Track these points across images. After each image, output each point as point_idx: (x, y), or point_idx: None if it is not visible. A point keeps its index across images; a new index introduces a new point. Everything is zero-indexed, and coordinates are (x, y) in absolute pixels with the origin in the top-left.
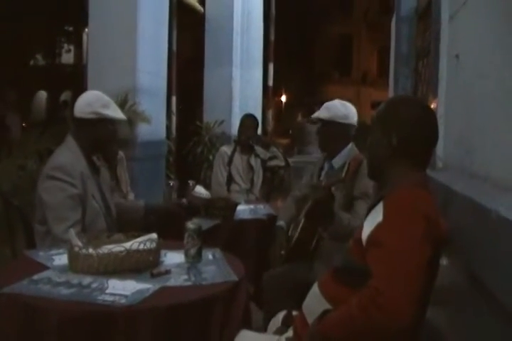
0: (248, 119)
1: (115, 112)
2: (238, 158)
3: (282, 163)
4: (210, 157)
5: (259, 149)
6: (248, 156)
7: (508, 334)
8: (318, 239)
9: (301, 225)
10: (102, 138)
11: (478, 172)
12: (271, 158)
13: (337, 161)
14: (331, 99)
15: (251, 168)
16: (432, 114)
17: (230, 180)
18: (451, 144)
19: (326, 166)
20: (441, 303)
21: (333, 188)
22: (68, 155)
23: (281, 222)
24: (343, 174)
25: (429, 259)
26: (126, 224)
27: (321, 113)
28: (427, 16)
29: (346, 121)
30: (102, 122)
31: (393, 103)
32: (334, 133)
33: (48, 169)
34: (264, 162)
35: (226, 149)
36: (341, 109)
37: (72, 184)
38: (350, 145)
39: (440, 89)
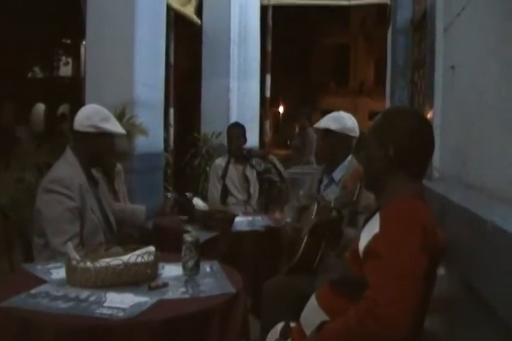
0: (234, 128)
1: (114, 126)
2: (233, 170)
3: (276, 178)
4: (208, 169)
5: (255, 160)
6: (243, 167)
7: None
8: (322, 255)
9: (304, 241)
10: (100, 152)
11: (474, 183)
12: (265, 171)
13: (337, 174)
14: (329, 109)
15: (246, 179)
16: (428, 125)
17: (226, 192)
18: (448, 155)
19: (326, 179)
20: (439, 313)
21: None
22: (67, 168)
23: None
24: (355, 196)
25: (426, 270)
26: (125, 236)
27: (331, 124)
28: (422, 28)
29: (353, 134)
30: (101, 136)
31: (389, 114)
32: (338, 145)
33: (46, 182)
34: (259, 174)
35: (220, 161)
36: (350, 121)
37: (70, 197)
38: (350, 157)
39: (436, 100)
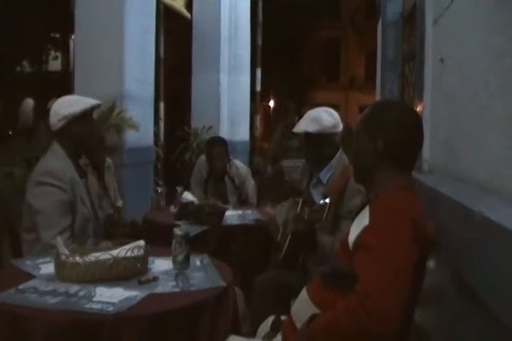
0: (217, 146)
1: (79, 104)
2: (211, 185)
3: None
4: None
5: (233, 172)
6: (221, 184)
7: (494, 335)
8: (304, 257)
9: (288, 240)
10: (82, 136)
11: (463, 175)
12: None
13: (325, 174)
14: (320, 104)
15: (226, 197)
16: (417, 118)
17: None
18: (437, 147)
19: (314, 178)
20: (429, 305)
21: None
22: (56, 161)
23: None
24: (324, 215)
25: (416, 262)
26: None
27: (309, 126)
28: (412, 20)
29: (335, 130)
30: (74, 121)
31: (378, 107)
32: (323, 145)
33: (36, 175)
34: (237, 188)
35: (202, 167)
36: (329, 118)
37: (62, 188)
38: (339, 153)
39: (425, 93)
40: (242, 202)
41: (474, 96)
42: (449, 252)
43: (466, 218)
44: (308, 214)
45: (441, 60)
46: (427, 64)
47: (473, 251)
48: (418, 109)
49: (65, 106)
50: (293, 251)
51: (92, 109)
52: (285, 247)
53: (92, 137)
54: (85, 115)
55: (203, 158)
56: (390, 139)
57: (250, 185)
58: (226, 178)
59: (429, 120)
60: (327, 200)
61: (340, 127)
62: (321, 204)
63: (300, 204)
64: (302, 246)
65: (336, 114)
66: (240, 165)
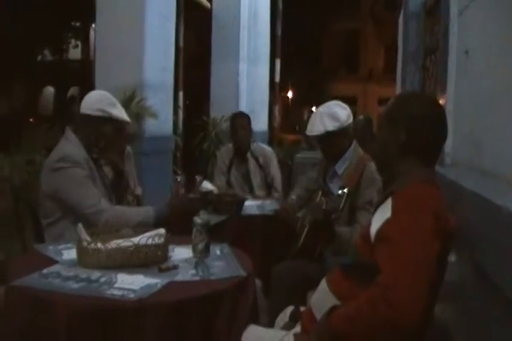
0: (238, 118)
1: (121, 113)
2: (235, 169)
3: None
4: (217, 153)
5: (257, 150)
6: (245, 165)
7: None
8: (321, 247)
9: (305, 231)
10: (103, 137)
11: (487, 169)
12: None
13: (340, 165)
14: (339, 96)
15: (249, 178)
16: (441, 110)
17: (230, 186)
18: (460, 141)
19: (330, 171)
20: (450, 299)
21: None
22: (70, 146)
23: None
24: (341, 204)
25: (438, 255)
26: None
27: (329, 124)
28: (435, 12)
29: (350, 121)
30: (108, 121)
31: (402, 99)
32: (339, 139)
33: (52, 162)
34: (261, 168)
35: (224, 154)
36: (344, 111)
37: (80, 167)
38: (353, 145)
39: (449, 86)
40: (267, 186)
41: (500, 88)
42: (471, 246)
43: (490, 212)
44: (326, 204)
45: (466, 52)
46: (450, 56)
47: (496, 245)
48: (441, 101)
49: (110, 103)
50: (311, 241)
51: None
52: (303, 237)
53: (111, 144)
54: (120, 124)
55: (224, 148)
56: (413, 132)
57: (275, 167)
58: (250, 158)
59: (453, 113)
60: (345, 190)
61: (352, 118)
62: (338, 194)
63: (320, 195)
64: (320, 237)
65: (345, 105)
66: (264, 146)
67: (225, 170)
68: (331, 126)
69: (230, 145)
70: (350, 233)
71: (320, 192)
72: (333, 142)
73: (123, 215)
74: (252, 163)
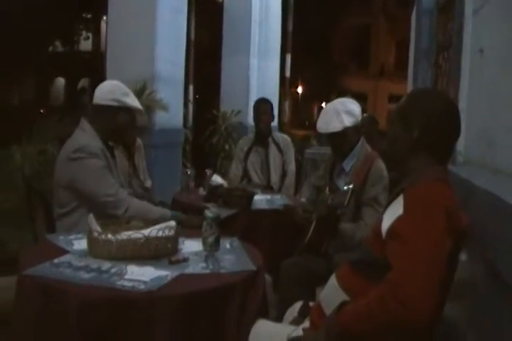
0: (262, 104)
1: (134, 102)
2: (255, 153)
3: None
4: (227, 146)
5: (278, 137)
6: (266, 149)
7: None
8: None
9: (312, 226)
10: (119, 126)
11: (499, 167)
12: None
13: (348, 162)
14: (348, 92)
15: (268, 163)
16: (454, 108)
17: (246, 176)
18: (473, 139)
19: (337, 168)
20: (459, 298)
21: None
22: (86, 136)
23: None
24: (346, 200)
25: (449, 253)
26: None
27: (346, 121)
28: (448, 9)
29: (359, 118)
30: (122, 110)
31: (415, 96)
32: (352, 135)
33: (69, 152)
34: (281, 152)
35: (244, 143)
36: (357, 108)
37: (97, 157)
38: (361, 141)
39: (462, 83)
40: (283, 173)
41: None
42: (483, 245)
43: (502, 211)
44: (332, 200)
45: (481, 51)
46: (464, 54)
47: (509, 244)
48: (453, 99)
49: (123, 93)
50: (317, 237)
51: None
52: (309, 233)
53: (126, 132)
54: (133, 113)
55: (243, 138)
56: (426, 129)
57: (292, 154)
58: (271, 143)
59: (465, 111)
60: (350, 186)
61: (360, 115)
62: (344, 190)
63: (327, 191)
64: (325, 232)
65: (356, 102)
66: (283, 134)
67: (242, 157)
68: (348, 122)
69: (250, 135)
70: (353, 230)
71: (327, 188)
72: (346, 138)
73: (142, 208)
74: (272, 147)
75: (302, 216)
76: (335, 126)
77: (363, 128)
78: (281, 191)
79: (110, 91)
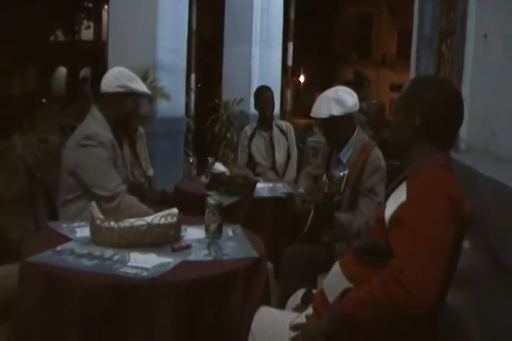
0: (265, 92)
1: (141, 86)
2: (259, 137)
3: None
4: (228, 135)
5: (281, 122)
6: (270, 132)
7: None
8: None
9: (311, 215)
10: (128, 112)
11: (503, 155)
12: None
13: (344, 153)
14: (350, 80)
15: (272, 145)
16: (457, 95)
17: (252, 161)
18: (476, 126)
19: (334, 159)
20: (462, 286)
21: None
22: (96, 124)
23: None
24: (342, 187)
25: (453, 240)
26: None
27: (334, 109)
28: None
29: (356, 108)
30: (130, 96)
31: (418, 83)
32: (343, 125)
33: (79, 139)
34: (285, 134)
35: (247, 130)
36: (351, 98)
37: (105, 148)
38: (357, 131)
39: (466, 70)
40: (288, 155)
41: None
42: (486, 232)
43: (505, 198)
44: (328, 187)
45: (485, 36)
46: (468, 40)
47: None
48: (456, 86)
49: (129, 79)
50: (317, 226)
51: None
52: (309, 222)
53: (134, 117)
54: (139, 97)
55: (245, 129)
56: (428, 116)
57: (293, 137)
58: (274, 126)
59: (469, 98)
60: (346, 172)
61: (358, 105)
62: (339, 176)
63: (324, 179)
64: (323, 221)
65: (353, 92)
66: (284, 121)
67: (246, 143)
68: (336, 111)
69: (252, 124)
70: (349, 220)
71: (324, 177)
72: (336, 127)
73: (132, 205)
74: (276, 130)
75: (300, 206)
76: (321, 113)
77: (369, 116)
78: (285, 174)
79: (115, 77)
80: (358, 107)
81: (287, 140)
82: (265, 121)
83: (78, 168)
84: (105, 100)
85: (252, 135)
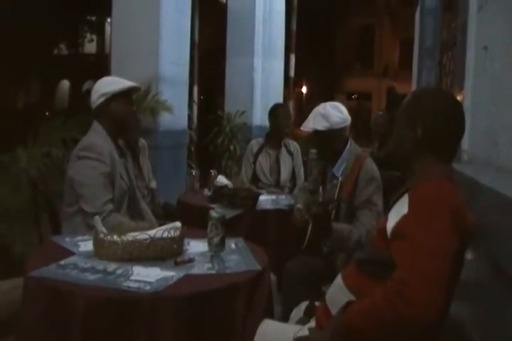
0: (284, 109)
1: (119, 84)
2: (265, 155)
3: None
4: (231, 147)
5: (293, 144)
6: (277, 152)
7: None
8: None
9: (309, 228)
10: (120, 114)
11: (505, 165)
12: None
13: (338, 167)
14: (354, 91)
15: (278, 164)
16: (458, 106)
17: (256, 179)
18: (478, 137)
19: (328, 174)
20: (465, 297)
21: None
22: (96, 137)
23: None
24: (336, 195)
25: (455, 252)
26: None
27: (318, 124)
28: (452, 7)
29: (344, 125)
30: (112, 99)
31: (419, 94)
32: (332, 141)
33: (77, 150)
34: (291, 154)
35: (253, 145)
36: (338, 114)
37: (102, 161)
38: (349, 145)
39: (467, 82)
40: (293, 175)
41: None
42: (489, 243)
43: (508, 209)
44: (322, 196)
45: (485, 48)
46: (469, 52)
47: None
48: (458, 98)
49: (105, 85)
50: (315, 237)
51: (131, 90)
52: (308, 235)
53: (129, 116)
54: (124, 94)
55: (253, 141)
56: (430, 127)
57: (300, 159)
58: (283, 145)
59: (470, 109)
60: (339, 179)
61: (349, 120)
62: (333, 184)
63: (320, 191)
64: (321, 232)
65: (343, 108)
66: (291, 140)
67: (253, 160)
68: (319, 125)
69: (258, 139)
70: (349, 230)
71: (320, 190)
72: (322, 141)
73: (121, 225)
74: (283, 150)
75: (299, 219)
76: (308, 126)
77: (376, 127)
78: (293, 192)
79: (95, 91)
80: (347, 123)
81: (293, 160)
82: (276, 139)
83: (73, 180)
84: (97, 115)
85: (258, 152)
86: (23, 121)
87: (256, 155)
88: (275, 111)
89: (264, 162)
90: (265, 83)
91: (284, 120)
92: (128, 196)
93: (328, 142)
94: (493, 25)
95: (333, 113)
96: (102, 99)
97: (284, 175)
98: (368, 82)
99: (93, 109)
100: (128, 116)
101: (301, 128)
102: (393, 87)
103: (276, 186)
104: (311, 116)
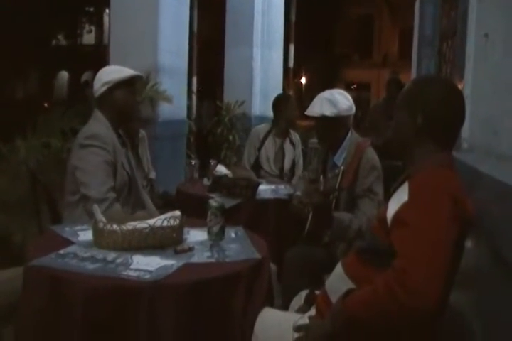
0: (292, 99)
1: (122, 72)
2: (271, 141)
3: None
4: (230, 137)
5: (295, 135)
6: (282, 140)
7: None
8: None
9: (310, 218)
10: (123, 104)
11: (505, 154)
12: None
13: (339, 156)
14: (353, 81)
15: (283, 153)
16: (458, 94)
17: (258, 165)
18: (478, 125)
19: (330, 161)
20: (465, 286)
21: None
22: (99, 125)
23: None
24: (337, 184)
25: (455, 240)
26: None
27: (326, 109)
28: None
29: (350, 113)
30: (115, 88)
31: (419, 82)
32: (337, 128)
33: (81, 139)
34: (293, 144)
35: (259, 131)
36: (345, 101)
37: (105, 149)
38: (350, 134)
39: (467, 70)
40: (293, 163)
41: None
42: (489, 231)
43: (508, 197)
44: (324, 185)
45: (486, 35)
46: (469, 40)
47: None
48: (458, 86)
49: (108, 73)
50: (316, 226)
51: (134, 79)
52: (308, 224)
53: (132, 105)
54: (127, 83)
55: (257, 129)
56: (430, 115)
57: (300, 149)
58: (286, 143)
59: (470, 98)
60: (341, 168)
61: (354, 110)
62: (334, 174)
63: (321, 180)
64: (322, 221)
65: (350, 97)
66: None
67: (258, 146)
68: (328, 111)
69: (263, 125)
70: (349, 218)
71: (321, 179)
72: (327, 127)
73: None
74: (287, 139)
75: (298, 208)
76: (315, 111)
77: (375, 113)
78: (291, 181)
79: (98, 79)
80: (352, 111)
81: (294, 150)
82: (283, 129)
83: (76, 168)
84: (100, 104)
85: (264, 139)
86: (22, 112)
87: (262, 141)
88: (282, 102)
89: (270, 148)
90: (264, 73)
91: (290, 111)
92: (129, 185)
93: (332, 129)
94: (493, 13)
95: (341, 100)
96: (105, 88)
97: (287, 164)
98: (367, 72)
99: (95, 97)
100: (131, 105)
101: (306, 113)
102: (397, 77)
103: (280, 175)
104: (317, 101)
